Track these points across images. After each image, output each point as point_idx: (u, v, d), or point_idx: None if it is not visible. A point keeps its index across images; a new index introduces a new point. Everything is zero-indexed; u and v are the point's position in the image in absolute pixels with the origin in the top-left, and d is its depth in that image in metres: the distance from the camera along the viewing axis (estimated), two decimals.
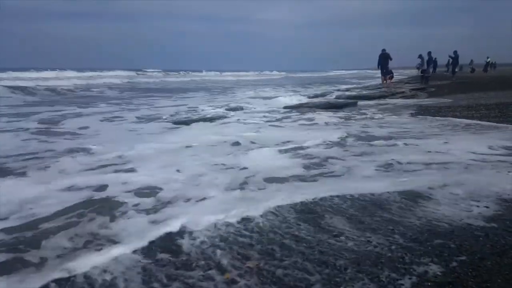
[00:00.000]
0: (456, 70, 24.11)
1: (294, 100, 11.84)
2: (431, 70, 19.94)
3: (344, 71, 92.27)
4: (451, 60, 23.85)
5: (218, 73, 51.42)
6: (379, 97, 12.61)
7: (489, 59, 34.26)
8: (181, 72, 52.50)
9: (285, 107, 9.98)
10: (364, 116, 8.10)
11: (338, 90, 17.47)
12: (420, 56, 18.73)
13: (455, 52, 23.02)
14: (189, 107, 10.25)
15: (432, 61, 19.85)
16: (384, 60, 18.12)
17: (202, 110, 9.36)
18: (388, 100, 11.86)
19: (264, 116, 8.27)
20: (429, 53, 19.35)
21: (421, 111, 8.51)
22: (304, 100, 12.19)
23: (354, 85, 23.08)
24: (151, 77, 35.55)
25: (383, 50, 18.21)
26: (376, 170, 3.54)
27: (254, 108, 10.04)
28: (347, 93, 14.62)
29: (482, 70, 33.23)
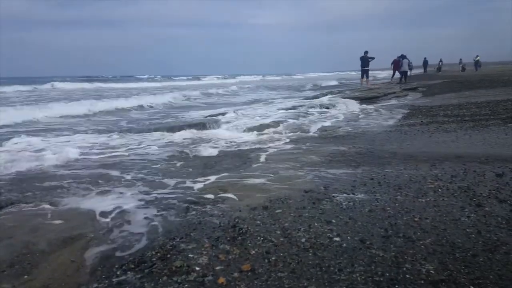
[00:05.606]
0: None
1: None
2: (407, 70, 23.18)
3: (338, 72, 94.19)
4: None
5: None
6: (371, 98, 12.68)
7: (478, 58, 34.53)
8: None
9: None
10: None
11: (331, 92, 17.53)
12: (403, 57, 21.74)
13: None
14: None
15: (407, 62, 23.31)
16: (364, 62, 18.38)
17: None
18: (380, 102, 11.93)
19: None
20: (404, 56, 22.60)
21: (413, 111, 8.58)
22: None
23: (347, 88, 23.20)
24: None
25: (365, 52, 18.46)
26: None
27: None
28: (340, 94, 14.67)
29: (474, 68, 33.48)
